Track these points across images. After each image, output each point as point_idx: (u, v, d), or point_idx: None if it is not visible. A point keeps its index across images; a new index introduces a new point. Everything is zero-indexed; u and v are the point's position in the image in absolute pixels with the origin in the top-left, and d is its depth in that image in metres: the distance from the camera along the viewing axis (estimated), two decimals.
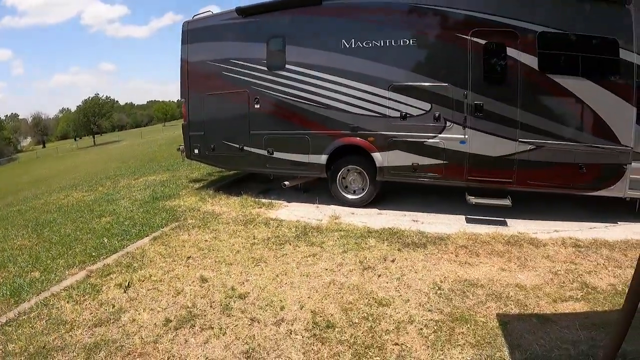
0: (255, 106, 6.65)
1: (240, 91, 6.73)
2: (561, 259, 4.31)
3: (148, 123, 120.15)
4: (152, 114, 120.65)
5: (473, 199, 5.61)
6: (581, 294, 3.63)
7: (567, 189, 5.48)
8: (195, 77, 7.21)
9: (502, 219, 5.54)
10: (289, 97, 6.43)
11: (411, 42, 5.67)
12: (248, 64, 6.66)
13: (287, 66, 6.38)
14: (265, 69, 6.55)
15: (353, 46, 5.94)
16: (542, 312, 3.39)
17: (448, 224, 5.49)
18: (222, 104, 6.98)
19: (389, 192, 6.85)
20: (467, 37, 5.39)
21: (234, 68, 6.75)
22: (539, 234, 4.99)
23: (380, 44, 5.80)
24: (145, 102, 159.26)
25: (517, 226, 5.28)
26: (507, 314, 3.40)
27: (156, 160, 14.02)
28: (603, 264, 4.16)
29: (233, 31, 6.83)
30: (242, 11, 6.62)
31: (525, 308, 3.45)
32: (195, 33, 7.18)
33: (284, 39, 6.41)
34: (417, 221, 5.68)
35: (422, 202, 6.50)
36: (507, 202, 5.50)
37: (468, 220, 5.63)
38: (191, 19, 7.41)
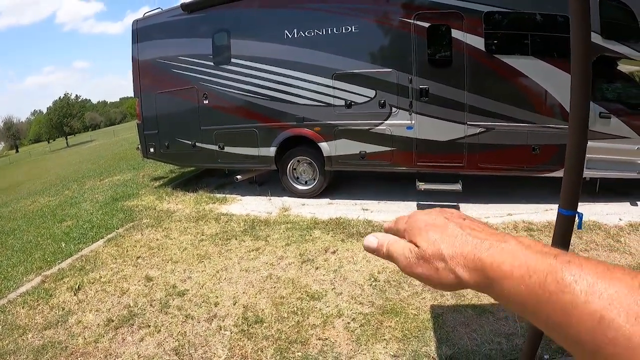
0: (204, 102, 6.21)
1: (189, 88, 6.29)
2: None
3: (122, 120, 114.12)
4: (125, 110, 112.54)
5: (422, 185, 5.22)
6: None
7: (521, 171, 5.09)
8: (146, 76, 6.74)
9: (455, 204, 5.11)
10: (235, 91, 5.99)
11: (353, 28, 5.22)
12: (195, 60, 6.21)
13: (233, 60, 5.93)
14: (212, 64, 6.10)
15: (296, 36, 5.49)
16: (480, 302, 3.00)
17: (397, 212, 5.06)
18: (173, 101, 6.53)
19: (342, 182, 6.46)
20: (410, 20, 4.98)
21: (182, 65, 6.30)
22: (491, 218, 4.61)
23: (323, 32, 5.35)
24: (118, 99, 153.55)
25: (469, 211, 4.85)
26: (442, 306, 3.03)
27: (126, 158, 13.39)
28: None
29: (179, 28, 6.36)
30: (187, 7, 6.13)
31: (463, 299, 3.07)
32: (144, 31, 6.70)
33: (228, 33, 5.96)
34: (366, 210, 5.29)
35: (374, 190, 6.10)
36: (457, 186, 5.13)
37: (419, 207, 5.22)
38: (140, 18, 6.92)
